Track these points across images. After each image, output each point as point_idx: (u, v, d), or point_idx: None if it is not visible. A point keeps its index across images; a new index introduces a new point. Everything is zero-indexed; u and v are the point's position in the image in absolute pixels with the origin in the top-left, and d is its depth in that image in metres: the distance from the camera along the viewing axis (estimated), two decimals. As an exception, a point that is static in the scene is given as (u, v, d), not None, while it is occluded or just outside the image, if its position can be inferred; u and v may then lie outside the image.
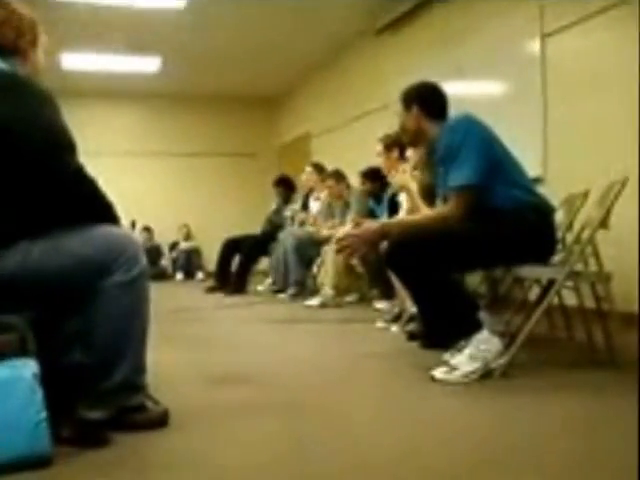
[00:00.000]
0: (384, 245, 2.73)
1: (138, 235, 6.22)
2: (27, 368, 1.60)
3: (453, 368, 2.45)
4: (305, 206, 6.60)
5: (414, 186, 3.43)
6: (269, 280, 6.65)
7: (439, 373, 2.45)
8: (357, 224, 2.78)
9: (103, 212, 1.84)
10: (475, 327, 2.49)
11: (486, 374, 2.44)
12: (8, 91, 1.72)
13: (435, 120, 2.79)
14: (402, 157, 4.18)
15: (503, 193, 2.61)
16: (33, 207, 1.74)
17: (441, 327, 2.76)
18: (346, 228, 4.99)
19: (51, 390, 1.62)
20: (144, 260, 1.86)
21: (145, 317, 1.88)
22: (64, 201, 1.76)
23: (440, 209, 2.80)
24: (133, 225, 5.85)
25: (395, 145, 4.27)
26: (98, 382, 1.80)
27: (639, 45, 1.95)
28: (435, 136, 2.77)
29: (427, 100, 2.82)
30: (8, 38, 1.82)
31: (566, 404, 2.13)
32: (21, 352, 1.66)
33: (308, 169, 6.41)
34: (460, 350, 2.51)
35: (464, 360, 2.45)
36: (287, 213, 6.69)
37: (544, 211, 2.68)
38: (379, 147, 4.35)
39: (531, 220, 2.61)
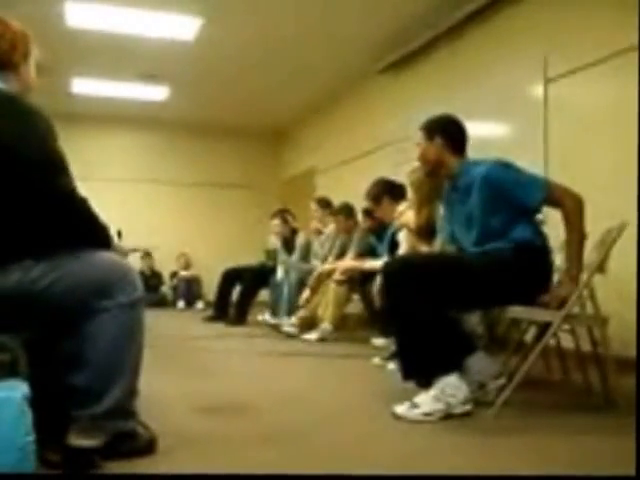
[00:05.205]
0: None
1: (125, 244, 6.15)
2: (17, 390, 1.59)
3: (414, 405, 2.44)
4: (289, 250, 6.54)
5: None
6: (267, 315, 6.54)
7: (400, 409, 2.44)
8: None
9: (97, 232, 1.86)
10: (448, 369, 2.47)
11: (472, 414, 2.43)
12: (5, 109, 1.74)
13: (455, 154, 2.80)
14: (395, 199, 4.24)
15: (534, 227, 2.73)
16: (31, 225, 1.75)
17: (418, 363, 2.61)
18: (347, 262, 5.04)
19: (42, 413, 1.61)
20: (141, 287, 1.89)
21: (140, 343, 1.89)
22: (60, 220, 1.77)
23: (569, 202, 2.62)
24: (119, 235, 5.65)
25: (383, 194, 4.36)
26: (91, 405, 1.78)
27: (639, 93, 1.98)
28: (454, 170, 2.79)
29: (451, 133, 2.82)
30: (3, 50, 1.85)
31: (559, 445, 2.11)
32: (12, 373, 1.66)
33: (314, 207, 6.32)
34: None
35: (427, 400, 2.44)
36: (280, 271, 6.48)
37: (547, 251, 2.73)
38: (369, 204, 4.46)
39: (537, 260, 2.66)
